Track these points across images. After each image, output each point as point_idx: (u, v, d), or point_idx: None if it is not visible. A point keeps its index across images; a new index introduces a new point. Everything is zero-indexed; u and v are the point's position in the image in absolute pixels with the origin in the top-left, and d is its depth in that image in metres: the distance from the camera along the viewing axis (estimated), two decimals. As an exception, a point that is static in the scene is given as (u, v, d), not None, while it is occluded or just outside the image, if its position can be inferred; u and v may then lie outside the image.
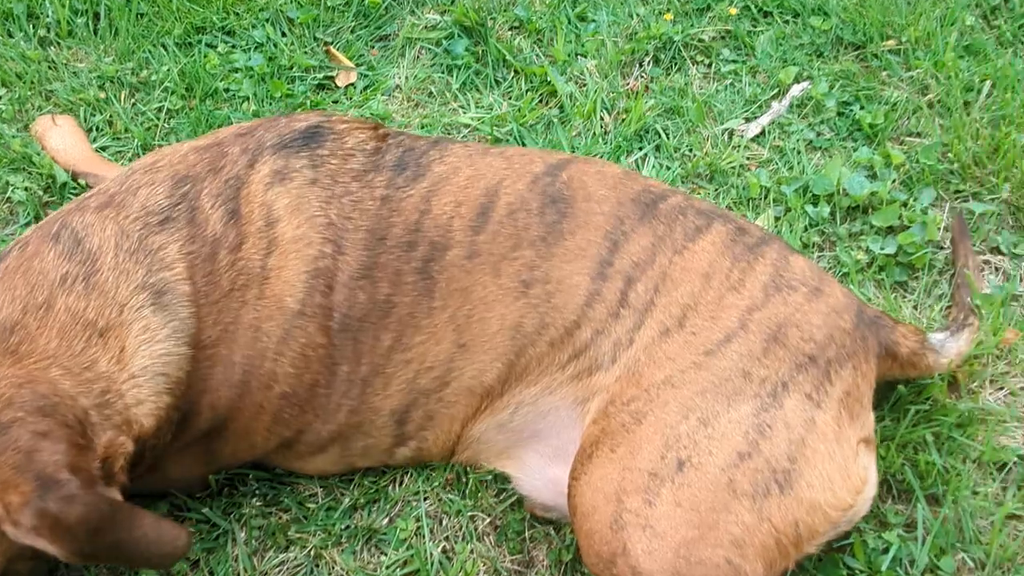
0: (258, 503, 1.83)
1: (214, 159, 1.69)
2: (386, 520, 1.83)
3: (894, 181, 2.36)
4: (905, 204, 2.31)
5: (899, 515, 1.79)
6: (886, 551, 1.73)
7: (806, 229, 2.28)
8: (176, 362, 1.60)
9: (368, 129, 1.80)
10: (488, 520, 1.82)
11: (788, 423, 1.54)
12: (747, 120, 2.55)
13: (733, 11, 2.78)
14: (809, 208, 2.30)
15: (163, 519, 1.55)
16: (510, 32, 2.77)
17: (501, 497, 1.84)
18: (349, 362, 1.70)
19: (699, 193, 2.37)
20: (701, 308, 1.64)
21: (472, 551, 1.78)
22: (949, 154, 2.40)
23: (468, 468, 1.85)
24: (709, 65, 2.70)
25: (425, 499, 1.84)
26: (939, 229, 2.26)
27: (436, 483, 1.86)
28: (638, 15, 2.79)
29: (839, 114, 2.55)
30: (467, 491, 1.84)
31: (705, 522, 1.48)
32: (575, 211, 1.71)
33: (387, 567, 1.75)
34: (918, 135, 2.50)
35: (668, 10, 2.80)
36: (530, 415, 1.74)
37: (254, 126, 1.77)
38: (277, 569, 1.77)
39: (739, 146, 2.46)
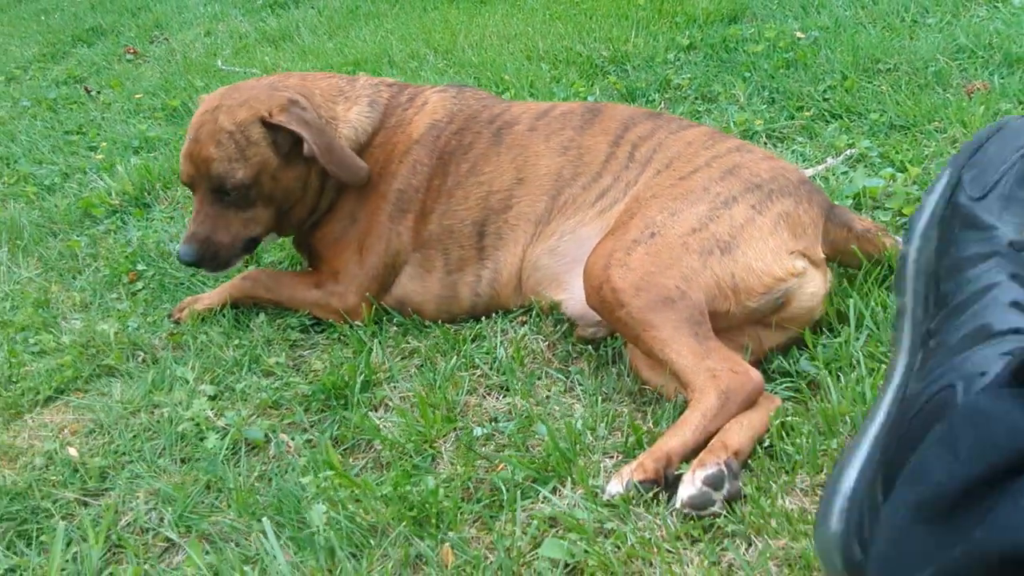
0: (394, 329, 2.68)
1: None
2: (474, 344, 2.59)
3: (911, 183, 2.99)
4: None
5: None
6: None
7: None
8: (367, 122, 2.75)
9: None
10: (546, 343, 2.53)
11: (732, 217, 2.21)
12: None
13: (807, 114, 3.64)
14: (837, 202, 2.96)
15: None
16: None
17: (556, 327, 2.56)
18: (439, 176, 2.64)
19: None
20: (682, 157, 2.41)
21: (527, 350, 2.49)
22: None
23: (533, 301, 2.59)
24: (785, 147, 3.53)
25: (504, 332, 2.60)
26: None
27: (513, 319, 2.62)
28: (734, 121, 3.71)
29: (879, 162, 3.25)
30: (532, 322, 2.58)
31: (664, 263, 2.15)
32: (604, 115, 2.61)
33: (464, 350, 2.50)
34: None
35: (759, 118, 3.70)
36: (571, 243, 2.50)
37: None
38: (403, 364, 2.57)
39: (793, 179, 3.20)
